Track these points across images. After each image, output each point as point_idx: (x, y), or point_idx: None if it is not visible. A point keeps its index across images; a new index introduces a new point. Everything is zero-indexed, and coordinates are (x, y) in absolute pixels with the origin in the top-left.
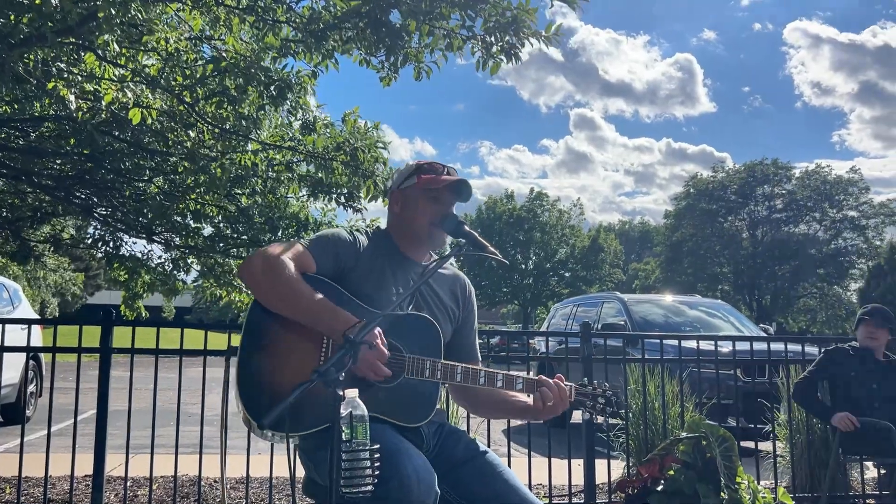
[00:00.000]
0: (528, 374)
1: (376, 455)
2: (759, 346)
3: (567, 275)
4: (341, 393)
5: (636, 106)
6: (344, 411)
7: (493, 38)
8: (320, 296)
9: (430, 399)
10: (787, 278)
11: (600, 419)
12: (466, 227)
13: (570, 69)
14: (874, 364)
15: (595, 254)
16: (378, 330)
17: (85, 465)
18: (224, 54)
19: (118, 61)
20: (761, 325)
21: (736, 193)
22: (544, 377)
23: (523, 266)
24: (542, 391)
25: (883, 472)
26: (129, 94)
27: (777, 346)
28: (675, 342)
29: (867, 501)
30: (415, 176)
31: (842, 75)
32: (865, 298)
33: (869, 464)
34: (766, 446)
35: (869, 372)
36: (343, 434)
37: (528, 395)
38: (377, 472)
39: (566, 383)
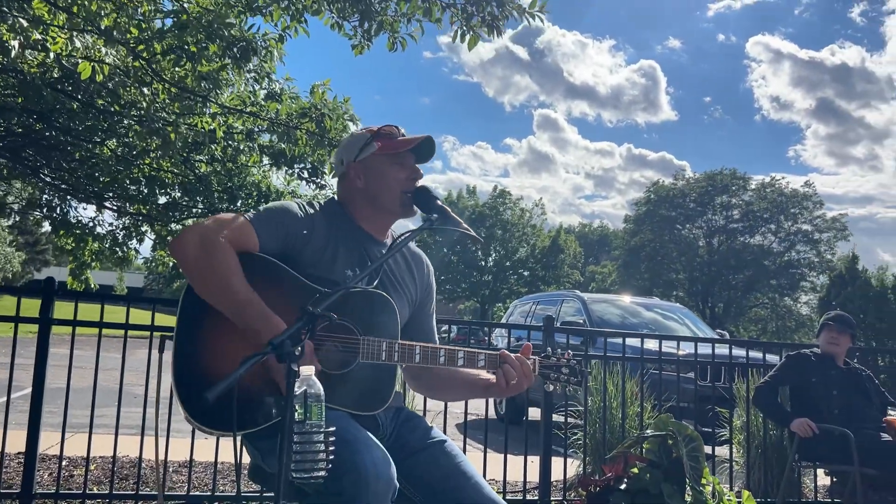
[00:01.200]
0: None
1: (331, 438)
2: (719, 350)
3: (526, 274)
4: (296, 368)
5: (599, 110)
6: (298, 389)
7: (474, 9)
8: (256, 297)
9: (387, 384)
10: (741, 287)
11: (563, 391)
12: (439, 202)
13: (536, 69)
14: (835, 370)
15: (555, 254)
16: (309, 347)
17: (18, 443)
18: (185, 6)
19: (70, 9)
20: (717, 330)
21: (695, 202)
22: (507, 352)
23: (483, 263)
24: (505, 369)
25: (834, 480)
26: (79, 45)
27: (737, 351)
28: (636, 342)
29: None
30: (373, 143)
31: (800, 91)
32: (825, 307)
33: (821, 471)
34: (721, 451)
35: (829, 378)
36: (296, 414)
37: (490, 372)
38: (331, 458)
39: (530, 356)
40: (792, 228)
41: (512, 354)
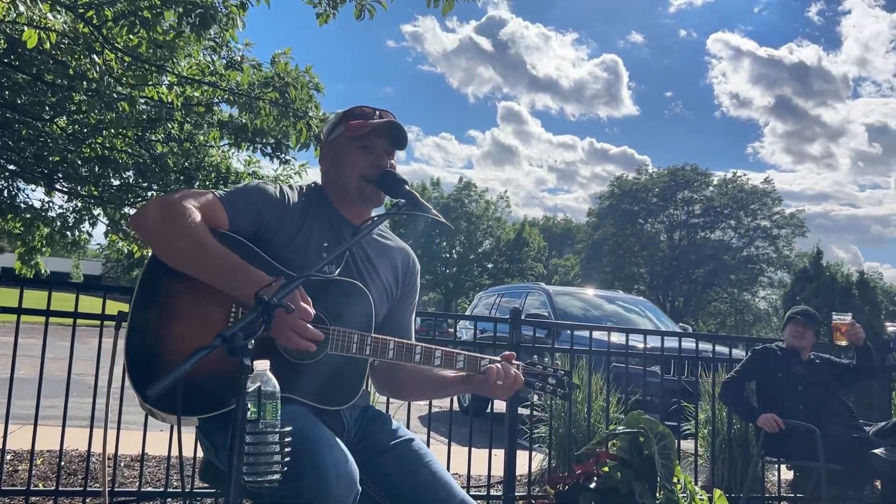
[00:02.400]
0: None
1: (287, 439)
2: (685, 344)
3: (490, 266)
4: (248, 363)
5: (562, 103)
6: (251, 386)
7: None
8: (229, 252)
9: (355, 379)
10: (701, 282)
11: (547, 401)
12: (407, 187)
13: (499, 61)
14: (800, 365)
15: (519, 247)
16: (301, 290)
17: None
18: None
19: None
20: (680, 324)
21: (657, 196)
22: (491, 358)
23: (447, 255)
24: (490, 379)
25: (797, 474)
26: (23, 9)
27: (703, 346)
28: (603, 335)
29: (782, 503)
30: (342, 124)
31: (759, 89)
32: (790, 303)
33: (785, 465)
34: (686, 445)
35: (795, 373)
36: (249, 413)
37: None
38: (287, 460)
39: (514, 362)
40: (751, 224)
41: (497, 366)
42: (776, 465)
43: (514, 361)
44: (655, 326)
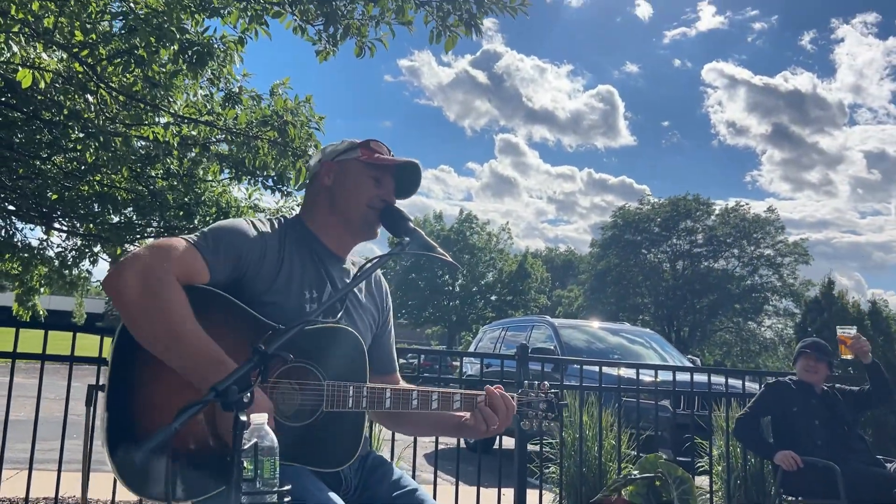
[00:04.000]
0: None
1: (286, 498)
2: (699, 377)
3: (494, 298)
4: (245, 418)
5: (559, 134)
6: (247, 441)
7: (450, 6)
8: (211, 344)
9: (353, 435)
10: (705, 311)
11: (539, 427)
12: (411, 224)
13: (495, 94)
14: (816, 398)
15: (522, 279)
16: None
17: None
18: (133, 6)
19: (7, 11)
20: (689, 356)
21: (659, 226)
22: (485, 394)
23: (450, 288)
24: (486, 413)
25: None
26: (17, 50)
27: (715, 379)
28: (612, 370)
29: None
30: (357, 149)
31: (755, 117)
32: (802, 333)
33: None
34: (701, 480)
35: (811, 407)
36: (245, 471)
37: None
38: None
39: (505, 394)
40: (755, 253)
41: (497, 394)
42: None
43: (504, 393)
44: (662, 358)
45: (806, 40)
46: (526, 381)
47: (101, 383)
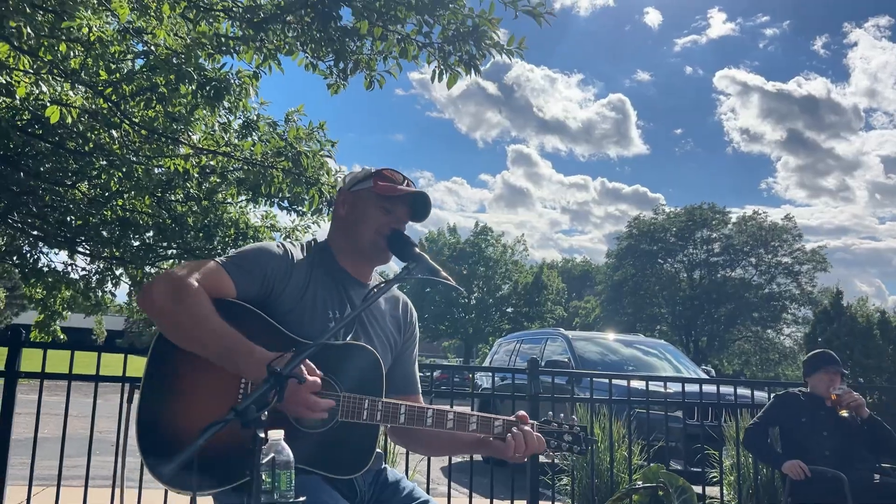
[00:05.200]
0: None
1: None
2: (709, 388)
3: (510, 310)
4: (262, 435)
5: (571, 144)
6: (265, 456)
7: (451, 48)
8: (235, 332)
9: (367, 445)
10: (723, 321)
11: (563, 459)
12: (417, 249)
13: (506, 105)
14: (824, 410)
15: (538, 290)
16: (308, 362)
17: None
18: (153, 48)
19: (36, 51)
20: (703, 367)
21: (675, 236)
22: (506, 419)
23: (466, 301)
24: (509, 443)
25: None
26: (45, 88)
27: (725, 389)
28: (623, 382)
29: None
30: (371, 179)
31: (769, 123)
32: (811, 343)
33: None
34: (713, 490)
35: (819, 418)
36: (263, 483)
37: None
38: None
39: (528, 421)
40: (772, 261)
41: (525, 427)
42: None
43: (528, 421)
44: (676, 369)
45: (819, 45)
46: (550, 413)
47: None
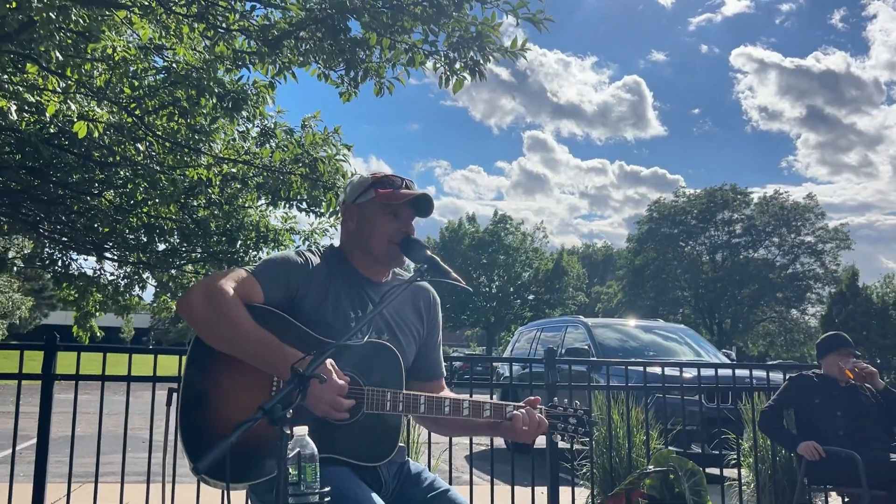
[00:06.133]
0: (492, 398)
1: (326, 499)
2: (724, 371)
3: (531, 298)
4: (288, 431)
5: (587, 128)
6: (292, 451)
7: (456, 55)
8: (265, 332)
9: (391, 435)
10: (746, 302)
11: (570, 443)
12: (428, 252)
13: (520, 90)
14: (837, 391)
15: (558, 277)
16: (330, 361)
17: (24, 498)
18: (174, 65)
19: (63, 71)
20: (723, 350)
21: (696, 218)
22: (516, 404)
23: (487, 289)
24: (516, 417)
25: (847, 500)
26: (74, 107)
27: (741, 373)
28: (640, 368)
29: None
30: (372, 190)
31: (788, 100)
32: (827, 325)
33: (834, 492)
34: (731, 472)
35: (833, 399)
36: (290, 476)
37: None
38: None
39: (538, 406)
40: (795, 241)
41: (521, 413)
42: (823, 493)
43: (537, 406)
44: (696, 354)
45: (836, 19)
46: (555, 398)
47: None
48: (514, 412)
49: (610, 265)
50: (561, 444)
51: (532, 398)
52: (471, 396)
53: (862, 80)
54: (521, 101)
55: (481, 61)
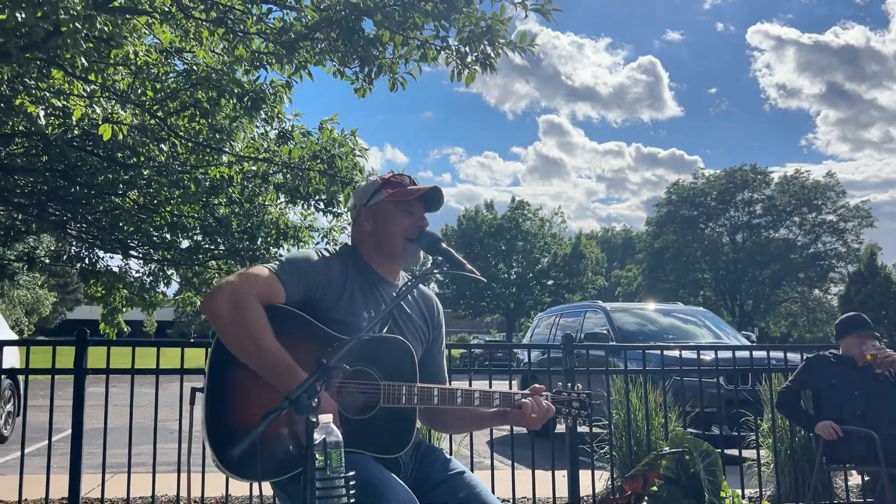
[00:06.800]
0: (511, 386)
1: (351, 483)
2: (742, 353)
3: (550, 283)
4: (314, 419)
5: (603, 111)
6: (317, 437)
7: (467, 49)
8: (283, 352)
9: (408, 426)
10: (768, 283)
11: (574, 425)
12: (444, 245)
13: (534, 74)
14: (855, 371)
15: (577, 261)
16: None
17: (61, 487)
18: (195, 67)
19: (87, 76)
20: (743, 332)
21: (716, 199)
22: (523, 392)
23: (506, 276)
24: (525, 405)
25: (867, 478)
26: (99, 110)
27: (759, 354)
28: (659, 351)
29: None
30: (382, 190)
31: (807, 77)
32: (846, 305)
33: (853, 470)
34: (750, 453)
35: (850, 378)
36: (317, 461)
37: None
38: (353, 501)
39: (543, 393)
40: (816, 220)
41: (529, 401)
42: (843, 472)
43: (542, 392)
44: (715, 336)
45: None
46: (560, 384)
47: (201, 387)
48: (524, 400)
49: (629, 249)
50: (560, 428)
51: (537, 385)
52: (490, 384)
53: (882, 55)
54: (535, 85)
55: (492, 55)
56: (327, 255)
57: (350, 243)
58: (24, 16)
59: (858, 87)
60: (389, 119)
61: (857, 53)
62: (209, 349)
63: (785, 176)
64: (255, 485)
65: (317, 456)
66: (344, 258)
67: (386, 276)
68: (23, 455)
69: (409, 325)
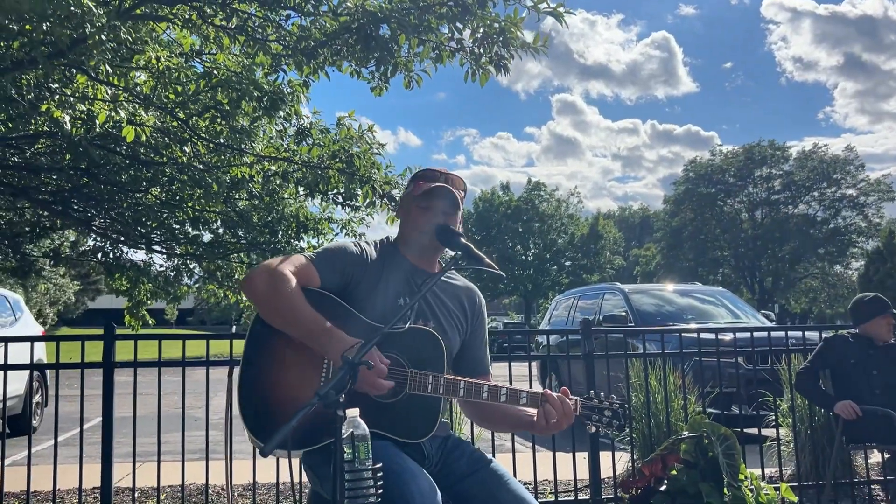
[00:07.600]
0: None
1: (379, 474)
2: (760, 334)
3: (567, 264)
4: (342, 414)
5: (617, 88)
6: (346, 431)
7: (481, 50)
8: (320, 316)
9: (432, 414)
10: (788, 259)
11: (603, 433)
12: (462, 239)
13: (546, 53)
14: (873, 350)
15: (594, 241)
16: (374, 349)
17: (93, 476)
18: (215, 71)
19: (110, 80)
20: (763, 311)
21: (734, 176)
22: (549, 392)
23: (523, 258)
24: (546, 408)
25: (888, 456)
26: (122, 113)
27: (778, 334)
28: (676, 334)
29: (872, 487)
30: (412, 183)
31: (824, 49)
32: (864, 284)
33: (874, 449)
34: (770, 432)
35: (868, 358)
36: (345, 454)
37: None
38: (380, 491)
39: (571, 397)
40: (836, 195)
41: (553, 394)
42: (862, 450)
43: (570, 396)
44: (734, 316)
45: None
46: (592, 391)
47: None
48: (545, 403)
49: (647, 227)
50: (591, 430)
51: (563, 389)
52: (509, 366)
53: None
54: (547, 63)
55: (506, 56)
56: (365, 246)
57: (391, 237)
58: (49, 25)
59: (877, 58)
60: (402, 102)
61: (875, 23)
62: (249, 325)
63: (803, 150)
64: (282, 472)
65: (345, 449)
66: (381, 251)
67: (421, 266)
68: (56, 447)
69: (445, 312)
